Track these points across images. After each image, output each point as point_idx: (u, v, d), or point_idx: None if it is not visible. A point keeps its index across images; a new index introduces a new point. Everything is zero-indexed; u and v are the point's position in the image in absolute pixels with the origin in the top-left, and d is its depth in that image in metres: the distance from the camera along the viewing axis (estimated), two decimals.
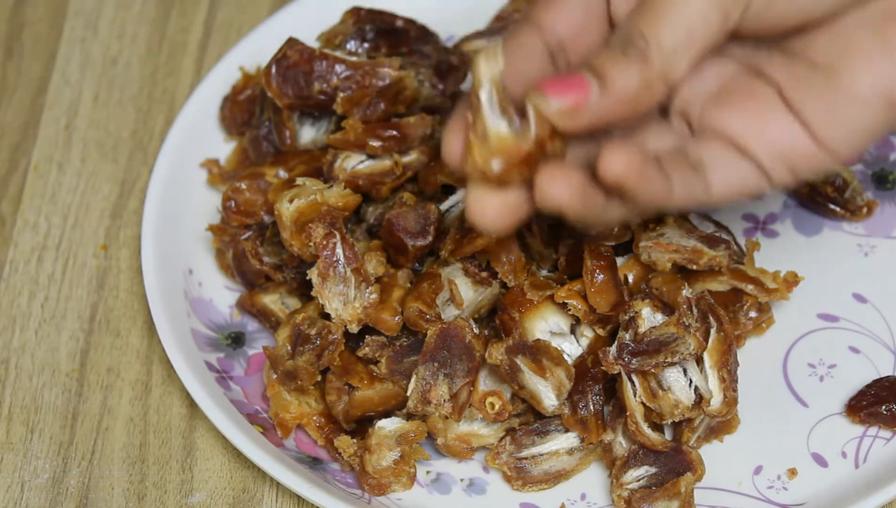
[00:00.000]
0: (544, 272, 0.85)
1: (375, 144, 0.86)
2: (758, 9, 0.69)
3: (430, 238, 0.84)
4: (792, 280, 0.85)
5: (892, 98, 0.70)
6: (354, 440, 0.83)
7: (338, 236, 0.81)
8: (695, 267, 0.84)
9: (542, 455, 0.83)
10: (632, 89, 0.68)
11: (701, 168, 0.71)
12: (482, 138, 0.69)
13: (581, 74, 0.68)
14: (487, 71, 0.69)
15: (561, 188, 0.68)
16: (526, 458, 0.83)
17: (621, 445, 0.82)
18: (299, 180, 0.84)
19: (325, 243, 0.81)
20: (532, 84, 0.68)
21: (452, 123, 0.71)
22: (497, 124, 0.69)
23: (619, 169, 0.67)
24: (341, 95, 0.87)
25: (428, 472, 0.84)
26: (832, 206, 0.91)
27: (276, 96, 0.88)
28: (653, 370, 0.80)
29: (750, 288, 0.84)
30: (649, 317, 0.81)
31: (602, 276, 0.82)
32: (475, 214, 0.70)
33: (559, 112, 0.67)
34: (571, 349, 0.84)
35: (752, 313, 0.86)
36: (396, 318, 0.82)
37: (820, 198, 0.91)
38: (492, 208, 0.70)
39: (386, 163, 0.87)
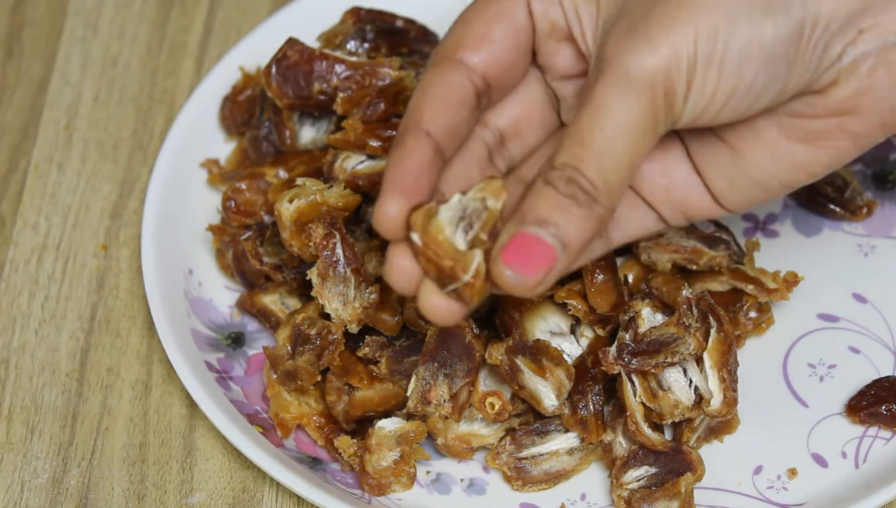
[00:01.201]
0: None
1: (375, 144, 0.86)
2: (685, 121, 0.70)
3: None
4: (792, 280, 0.85)
5: (787, 185, 0.74)
6: (354, 441, 0.83)
7: (338, 237, 0.81)
8: (695, 267, 0.84)
9: (542, 455, 0.83)
10: (590, 236, 0.68)
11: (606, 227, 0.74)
12: (430, 214, 0.68)
13: (542, 240, 0.67)
14: (486, 194, 0.68)
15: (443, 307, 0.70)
16: (526, 458, 0.83)
17: (621, 445, 0.82)
18: (299, 180, 0.84)
19: (325, 243, 0.81)
20: (494, 253, 0.68)
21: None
22: (448, 222, 0.68)
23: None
24: (341, 95, 0.87)
25: (428, 472, 0.84)
26: (832, 206, 0.91)
27: (276, 96, 0.88)
28: (653, 370, 0.80)
29: (750, 288, 0.84)
30: (649, 317, 0.81)
31: (602, 276, 0.82)
32: (387, 271, 0.70)
33: (532, 285, 0.67)
34: (571, 349, 0.84)
35: (752, 313, 0.86)
36: (396, 318, 0.83)
37: (820, 198, 0.91)
38: (403, 267, 0.70)
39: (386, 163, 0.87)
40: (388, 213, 0.69)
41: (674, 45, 0.67)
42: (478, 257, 0.68)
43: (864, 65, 0.71)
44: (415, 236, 0.69)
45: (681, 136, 0.76)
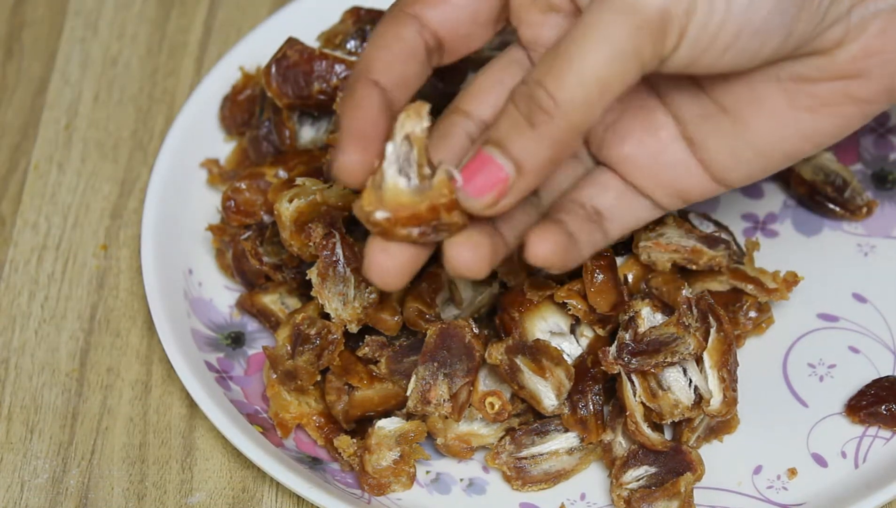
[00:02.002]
0: (544, 272, 0.85)
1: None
2: (682, 60, 0.67)
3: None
4: (792, 280, 0.85)
5: (791, 155, 0.73)
6: (354, 441, 0.83)
7: (337, 236, 0.81)
8: (694, 267, 0.84)
9: (541, 454, 0.83)
10: (546, 159, 0.65)
11: (600, 219, 0.74)
12: (376, 186, 0.68)
13: (495, 161, 0.65)
14: (407, 127, 0.68)
15: (467, 258, 0.68)
16: (526, 458, 0.83)
17: (621, 445, 0.82)
18: (299, 180, 0.84)
19: (324, 243, 0.81)
20: (448, 168, 0.67)
21: (356, 138, 0.69)
22: (395, 179, 0.68)
23: (545, 254, 0.69)
24: (341, 95, 0.87)
25: (428, 472, 0.84)
26: (832, 206, 0.91)
27: (276, 96, 0.88)
28: (653, 370, 0.80)
29: (750, 288, 0.84)
30: (649, 317, 0.81)
31: (602, 276, 0.82)
32: (366, 269, 0.70)
33: (483, 207, 0.67)
34: (571, 349, 0.84)
35: (752, 313, 0.86)
36: (396, 318, 0.82)
37: (820, 198, 0.91)
38: (382, 264, 0.70)
39: None
40: (348, 163, 0.68)
41: None
42: (438, 188, 0.67)
43: (873, 25, 0.69)
44: (380, 215, 0.68)
45: (674, 113, 0.74)
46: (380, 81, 0.70)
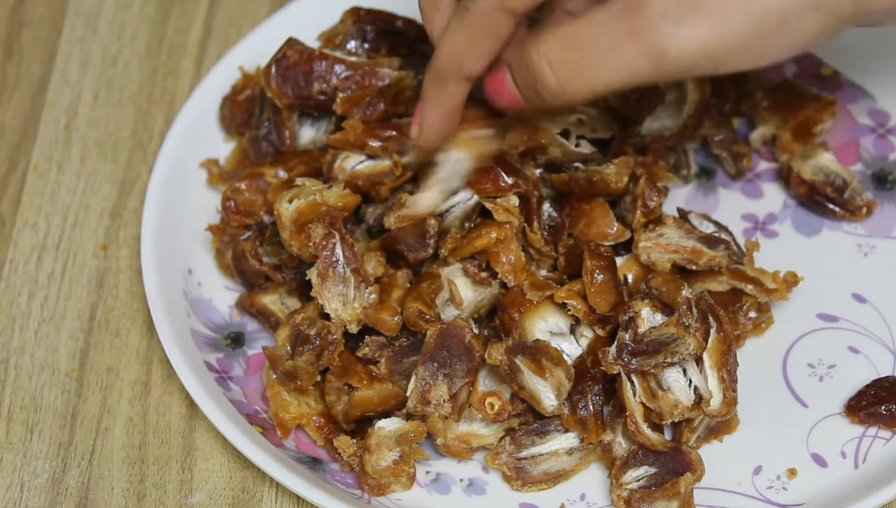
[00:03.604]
0: (544, 272, 0.85)
1: (375, 144, 0.86)
2: None
3: (430, 250, 0.84)
4: (791, 280, 0.85)
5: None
6: (354, 441, 0.83)
7: (337, 237, 0.81)
8: (694, 267, 0.84)
9: (541, 455, 0.83)
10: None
11: None
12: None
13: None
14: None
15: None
16: (525, 458, 0.83)
17: (621, 445, 0.82)
18: (299, 180, 0.84)
19: (324, 243, 0.81)
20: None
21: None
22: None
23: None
24: (341, 95, 0.87)
25: (427, 472, 0.84)
26: (832, 206, 0.91)
27: (276, 96, 0.88)
28: (652, 371, 0.80)
29: (749, 288, 0.84)
30: (649, 317, 0.81)
31: (602, 276, 0.82)
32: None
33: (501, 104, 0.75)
34: (571, 349, 0.84)
35: (752, 314, 0.86)
36: (396, 318, 0.82)
37: (819, 198, 0.91)
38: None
39: (385, 163, 0.86)
40: (430, 143, 0.79)
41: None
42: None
43: None
44: None
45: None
46: (472, 75, 0.76)
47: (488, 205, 0.83)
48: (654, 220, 0.85)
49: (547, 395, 0.81)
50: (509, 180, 0.83)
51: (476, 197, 0.83)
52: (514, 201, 0.83)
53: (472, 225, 0.84)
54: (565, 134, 0.86)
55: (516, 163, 0.84)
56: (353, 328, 0.82)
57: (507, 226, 0.83)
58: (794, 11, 0.68)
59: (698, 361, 0.80)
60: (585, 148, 0.86)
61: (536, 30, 0.74)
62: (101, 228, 0.96)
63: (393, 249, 0.84)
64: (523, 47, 0.72)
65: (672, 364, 0.80)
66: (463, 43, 0.74)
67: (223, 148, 0.95)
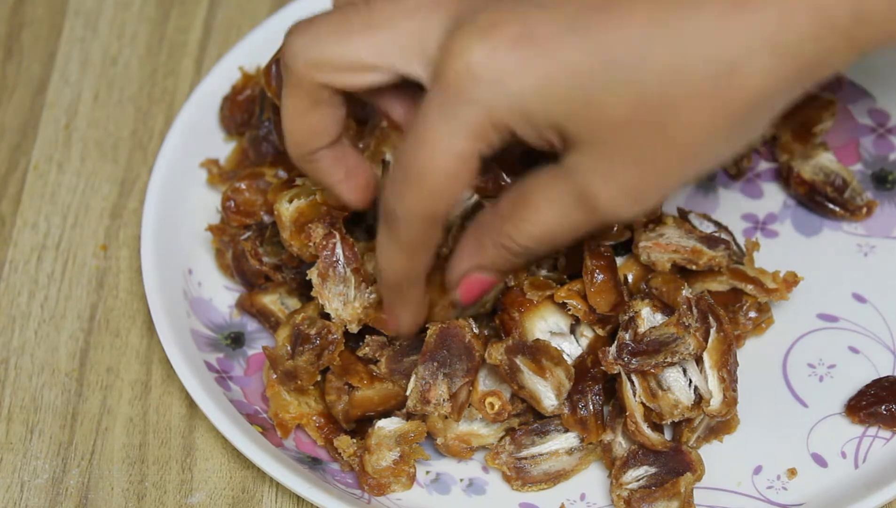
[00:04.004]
0: (544, 272, 0.85)
1: (363, 145, 0.86)
2: None
3: None
4: (791, 280, 0.85)
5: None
6: (354, 441, 0.83)
7: (337, 236, 0.81)
8: (694, 267, 0.84)
9: (541, 455, 0.83)
10: (512, 264, 0.75)
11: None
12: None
13: (486, 279, 0.76)
14: None
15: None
16: (525, 458, 0.83)
17: (621, 445, 0.82)
18: (299, 180, 0.84)
19: (324, 243, 0.81)
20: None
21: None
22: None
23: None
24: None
25: (427, 472, 0.84)
26: (832, 206, 0.91)
27: (276, 96, 0.88)
28: (652, 370, 0.80)
29: (749, 288, 0.84)
30: (649, 317, 0.81)
31: (602, 276, 0.82)
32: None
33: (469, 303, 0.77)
34: (571, 349, 0.83)
35: (752, 313, 0.86)
36: None
37: (819, 198, 0.91)
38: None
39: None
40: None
41: None
42: None
43: None
44: None
45: None
46: (422, 275, 0.76)
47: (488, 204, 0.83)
48: (654, 220, 0.85)
49: (547, 395, 0.81)
50: (509, 180, 0.83)
51: (476, 197, 0.83)
52: None
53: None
54: None
55: (515, 163, 0.83)
56: (354, 328, 0.82)
57: None
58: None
59: (698, 361, 0.80)
60: None
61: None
62: (101, 228, 0.96)
63: None
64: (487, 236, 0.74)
65: (672, 364, 0.80)
66: (402, 261, 0.74)
67: (223, 148, 0.95)
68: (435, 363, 0.81)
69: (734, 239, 0.86)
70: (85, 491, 0.85)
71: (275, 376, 0.84)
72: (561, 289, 0.83)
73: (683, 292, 0.81)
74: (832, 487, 0.82)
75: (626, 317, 0.81)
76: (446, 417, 0.82)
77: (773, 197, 0.93)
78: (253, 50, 0.96)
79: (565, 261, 0.84)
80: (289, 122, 0.75)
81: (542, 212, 0.70)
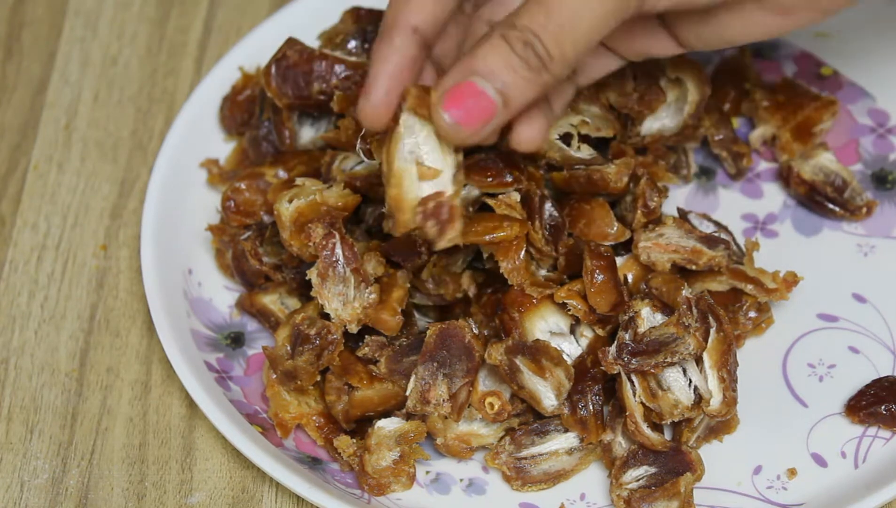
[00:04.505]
0: (544, 272, 0.85)
1: (361, 145, 0.85)
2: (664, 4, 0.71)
3: (424, 256, 0.83)
4: (791, 280, 0.85)
5: (751, 41, 0.78)
6: (354, 441, 0.83)
7: (337, 237, 0.81)
8: (694, 267, 0.84)
9: (541, 454, 0.83)
10: (531, 98, 0.69)
11: (573, 75, 0.79)
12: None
13: (485, 93, 0.68)
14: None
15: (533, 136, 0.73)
16: (525, 458, 0.83)
17: (621, 445, 0.82)
18: (299, 180, 0.84)
19: (324, 243, 0.81)
20: (433, 92, 0.69)
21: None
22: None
23: (532, 138, 0.72)
24: (338, 92, 0.87)
25: (427, 472, 0.84)
26: (832, 206, 0.91)
27: (276, 96, 0.88)
28: (652, 370, 0.80)
29: (749, 288, 0.84)
30: (649, 317, 0.81)
31: (602, 276, 0.82)
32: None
33: (466, 136, 0.69)
34: (571, 349, 0.83)
35: (752, 313, 0.86)
36: (396, 318, 0.82)
37: (819, 198, 0.91)
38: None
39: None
40: (375, 108, 0.71)
41: None
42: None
43: None
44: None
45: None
46: (418, 26, 0.71)
47: (490, 201, 0.83)
48: (654, 220, 0.85)
49: (547, 395, 0.81)
50: (510, 177, 0.82)
51: (478, 191, 0.83)
52: (516, 197, 0.83)
53: (474, 211, 0.83)
54: (567, 136, 0.86)
55: (519, 160, 0.83)
56: (353, 328, 0.82)
57: (521, 224, 0.82)
58: None
59: (698, 361, 0.80)
60: (585, 152, 0.86)
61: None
62: (101, 228, 0.96)
63: (389, 259, 0.84)
64: (504, 27, 0.68)
65: (672, 364, 0.80)
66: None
67: (223, 148, 0.95)
68: (435, 364, 0.81)
69: (734, 239, 0.86)
70: (85, 491, 0.85)
71: (275, 376, 0.84)
72: (561, 289, 0.83)
73: (683, 292, 0.81)
74: (832, 487, 0.82)
75: (626, 317, 0.81)
76: (446, 417, 0.82)
77: (773, 197, 0.93)
78: (253, 50, 0.96)
79: (565, 261, 0.84)
80: None
81: (584, 13, 0.67)
